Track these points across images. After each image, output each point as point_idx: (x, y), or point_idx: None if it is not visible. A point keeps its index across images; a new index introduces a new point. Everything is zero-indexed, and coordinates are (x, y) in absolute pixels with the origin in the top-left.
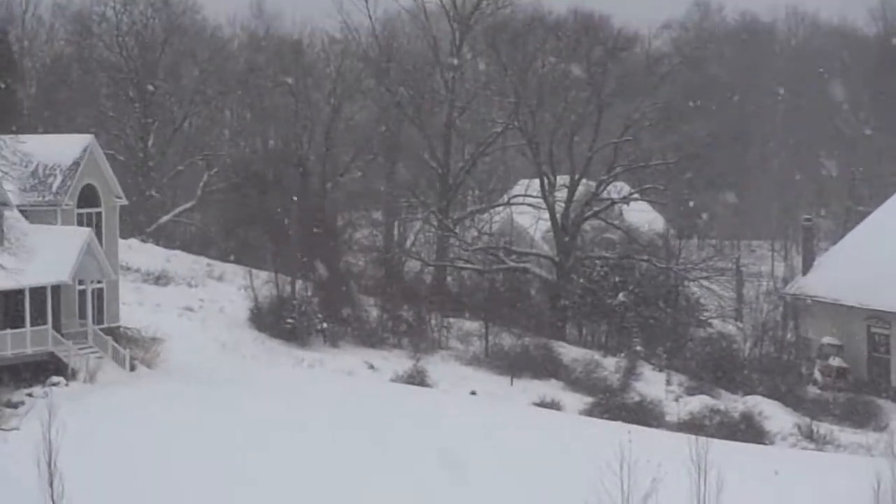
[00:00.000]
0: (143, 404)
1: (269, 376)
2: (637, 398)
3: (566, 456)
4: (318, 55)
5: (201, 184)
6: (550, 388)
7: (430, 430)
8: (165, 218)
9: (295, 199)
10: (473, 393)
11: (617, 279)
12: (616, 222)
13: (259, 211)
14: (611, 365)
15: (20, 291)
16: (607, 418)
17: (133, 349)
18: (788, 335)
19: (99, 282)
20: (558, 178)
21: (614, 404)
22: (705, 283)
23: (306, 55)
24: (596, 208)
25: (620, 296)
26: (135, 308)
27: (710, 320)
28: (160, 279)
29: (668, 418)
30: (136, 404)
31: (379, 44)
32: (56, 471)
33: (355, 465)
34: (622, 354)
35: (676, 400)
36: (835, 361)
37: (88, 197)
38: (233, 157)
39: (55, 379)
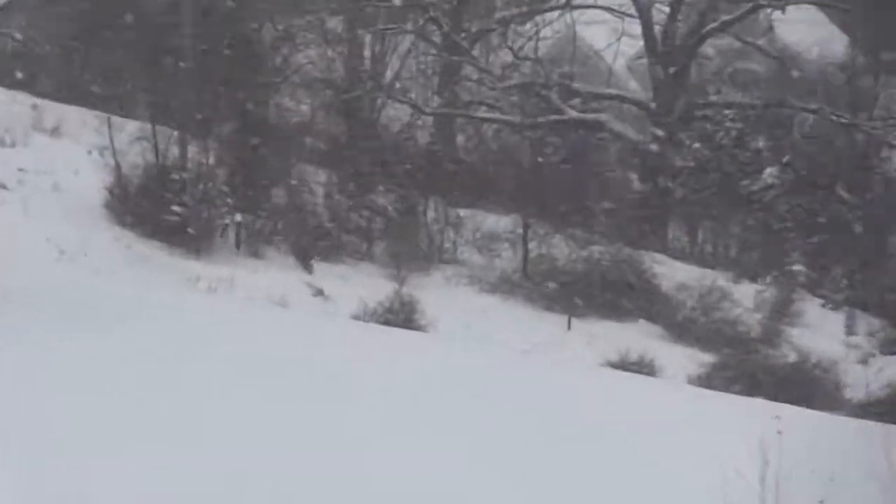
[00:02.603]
0: None
1: (138, 307)
2: (794, 357)
3: (666, 461)
4: None
5: None
6: (638, 336)
7: (417, 417)
8: None
9: None
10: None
11: (761, 144)
12: (761, 42)
13: (125, 11)
14: (747, 296)
15: None
16: (738, 392)
17: None
18: None
19: None
20: None
21: (752, 367)
22: None
23: None
24: (725, 17)
25: (767, 173)
26: None
27: None
28: None
29: (849, 393)
30: None
31: None
32: None
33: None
34: (768, 278)
35: (865, 361)
36: None
37: None
38: None
39: None
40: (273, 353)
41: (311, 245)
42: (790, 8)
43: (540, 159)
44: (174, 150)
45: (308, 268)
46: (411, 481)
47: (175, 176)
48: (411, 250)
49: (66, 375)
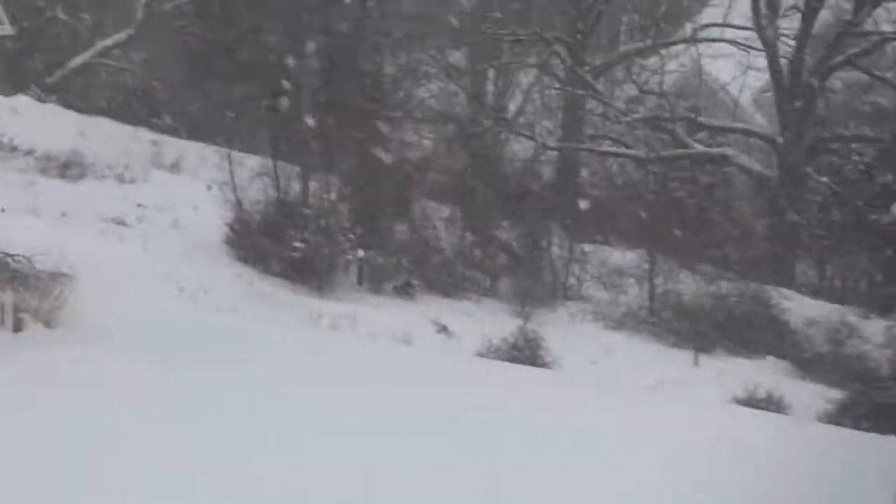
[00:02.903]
0: (30, 396)
1: (260, 345)
2: None
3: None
4: None
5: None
6: (766, 373)
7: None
8: (80, 59)
9: (311, 26)
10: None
11: (889, 178)
12: (889, 75)
13: (246, 49)
14: (877, 332)
15: None
16: (868, 429)
17: (21, 293)
18: None
19: None
20: None
21: (885, 405)
22: None
23: None
24: (853, 49)
25: None
26: (22, 220)
27: None
28: (69, 168)
29: None
30: (19, 396)
31: None
32: None
33: None
34: None
35: None
36: None
37: None
38: None
39: None
40: (417, 399)
41: (434, 282)
42: None
43: (663, 194)
44: (295, 186)
45: (431, 305)
46: None
47: (298, 214)
48: (536, 286)
49: (196, 411)
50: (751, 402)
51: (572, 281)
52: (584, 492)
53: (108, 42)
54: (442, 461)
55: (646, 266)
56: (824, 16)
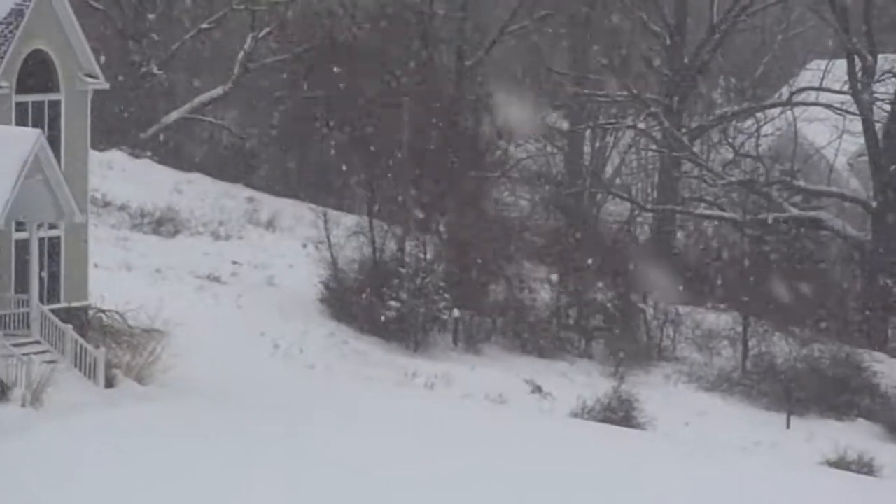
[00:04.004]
0: (126, 452)
1: (355, 404)
2: None
3: None
4: None
5: (240, 56)
6: (857, 435)
7: None
8: (175, 115)
9: (408, 87)
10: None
11: None
12: None
13: (343, 107)
14: None
15: None
16: None
17: (113, 348)
18: None
19: (54, 226)
20: (880, 57)
21: None
22: None
23: None
24: None
25: None
26: (117, 275)
27: None
28: (164, 224)
29: None
30: (114, 451)
31: None
32: None
33: None
34: None
35: None
36: None
37: (38, 73)
38: (298, 9)
39: None
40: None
41: (530, 343)
42: None
43: (758, 257)
44: (391, 245)
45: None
46: None
47: (393, 273)
48: (630, 347)
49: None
50: (841, 463)
51: (666, 342)
52: None
53: (204, 98)
54: None
55: (739, 328)
56: None
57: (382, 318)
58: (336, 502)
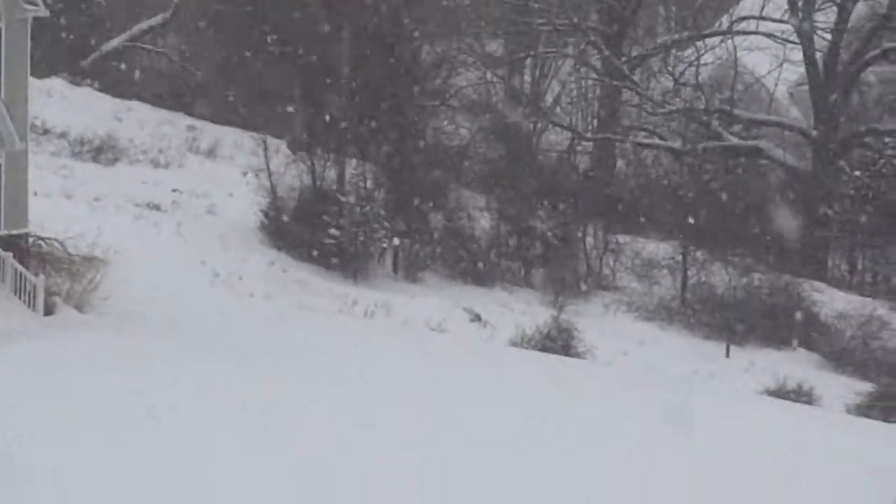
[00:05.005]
0: (62, 379)
1: (294, 334)
2: None
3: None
4: None
5: None
6: (796, 365)
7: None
8: (115, 42)
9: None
10: None
11: None
12: None
13: (282, 32)
14: None
15: None
16: None
17: (52, 276)
18: None
19: None
20: None
21: None
22: None
23: None
24: (888, 44)
25: None
26: (57, 203)
27: None
28: (103, 152)
29: None
30: (49, 380)
31: None
32: None
33: None
34: None
35: None
36: None
37: None
38: None
39: None
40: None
41: (470, 272)
42: None
43: (698, 186)
44: (331, 174)
45: (465, 294)
46: None
47: (333, 200)
48: (570, 276)
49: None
50: (781, 392)
51: (606, 271)
52: None
53: (144, 26)
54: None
55: (679, 258)
56: (860, 9)
57: (322, 247)
58: (293, 430)
